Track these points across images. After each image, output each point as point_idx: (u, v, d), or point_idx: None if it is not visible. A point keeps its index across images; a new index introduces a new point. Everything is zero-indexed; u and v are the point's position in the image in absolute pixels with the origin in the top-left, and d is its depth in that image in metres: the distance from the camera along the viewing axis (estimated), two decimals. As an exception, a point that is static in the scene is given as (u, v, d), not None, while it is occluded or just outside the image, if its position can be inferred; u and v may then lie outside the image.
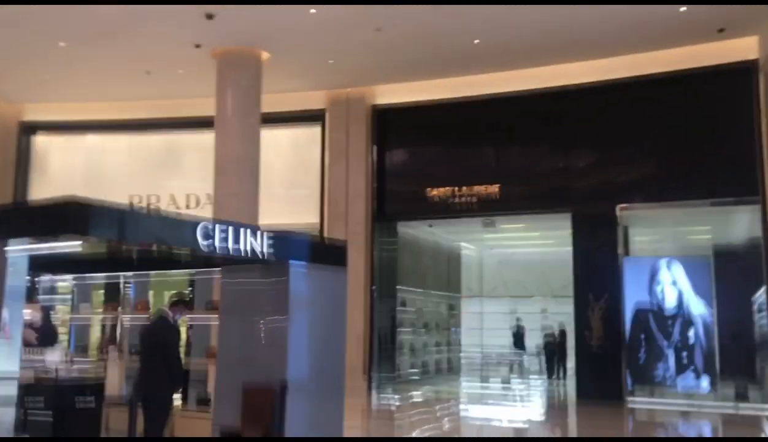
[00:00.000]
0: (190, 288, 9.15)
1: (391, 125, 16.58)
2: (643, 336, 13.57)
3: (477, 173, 15.56)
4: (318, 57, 14.45)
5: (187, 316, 8.29)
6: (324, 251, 8.33)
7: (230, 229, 6.91)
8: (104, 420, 8.09)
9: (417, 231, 18.18)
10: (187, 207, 16.85)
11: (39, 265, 7.53)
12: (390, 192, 16.41)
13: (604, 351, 13.66)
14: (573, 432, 11.80)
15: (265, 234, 7.27)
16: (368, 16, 12.33)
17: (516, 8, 11.83)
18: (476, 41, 13.43)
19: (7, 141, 17.60)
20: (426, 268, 19.12)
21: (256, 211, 13.59)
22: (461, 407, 14.26)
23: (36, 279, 9.75)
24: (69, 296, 10.49)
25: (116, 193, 13.71)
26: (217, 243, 6.75)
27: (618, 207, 14.12)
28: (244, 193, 13.44)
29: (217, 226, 6.79)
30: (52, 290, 10.67)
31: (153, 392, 6.98)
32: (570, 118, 14.89)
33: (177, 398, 7.81)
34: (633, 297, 13.74)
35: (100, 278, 10.29)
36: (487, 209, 15.62)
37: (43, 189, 17.29)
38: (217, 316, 8.16)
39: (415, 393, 15.51)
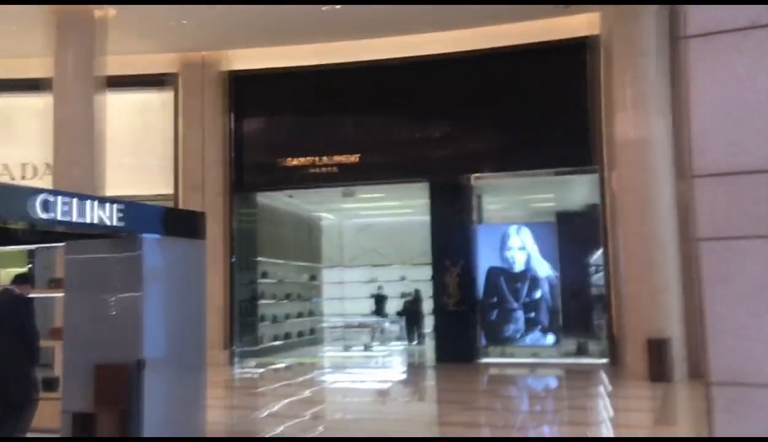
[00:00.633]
0: (29, 264, 8.50)
1: (248, 92, 16.15)
2: (495, 298, 14.35)
3: (337, 143, 15.57)
4: (169, 16, 13.69)
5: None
6: (180, 223, 8.01)
7: (74, 200, 6.45)
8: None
9: (276, 202, 17.96)
10: (23, 178, 15.52)
11: None
12: (248, 162, 16.05)
13: (461, 314, 14.29)
14: (430, 391, 12.30)
15: (114, 205, 6.86)
16: (223, -23, 11.84)
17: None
18: (337, 7, 13.31)
19: None
20: (286, 238, 18.98)
21: (101, 181, 12.75)
22: (324, 374, 14.41)
23: None
24: None
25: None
26: (59, 216, 6.28)
27: (472, 176, 14.71)
28: (87, 162, 12.54)
29: (59, 197, 6.31)
30: None
31: (13, 371, 6.45)
32: (427, 89, 15.23)
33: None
34: (486, 262, 14.47)
35: None
36: (347, 179, 15.71)
37: None
38: (62, 293, 7.63)
39: (277, 363, 15.47)
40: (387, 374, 14.55)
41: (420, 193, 15.86)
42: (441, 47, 14.81)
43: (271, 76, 15.93)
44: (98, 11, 12.74)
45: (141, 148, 16.07)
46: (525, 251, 14.46)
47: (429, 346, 18.03)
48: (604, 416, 9.27)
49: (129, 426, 6.85)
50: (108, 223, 6.76)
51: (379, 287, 20.83)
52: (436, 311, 14.97)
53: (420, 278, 20.53)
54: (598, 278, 17.24)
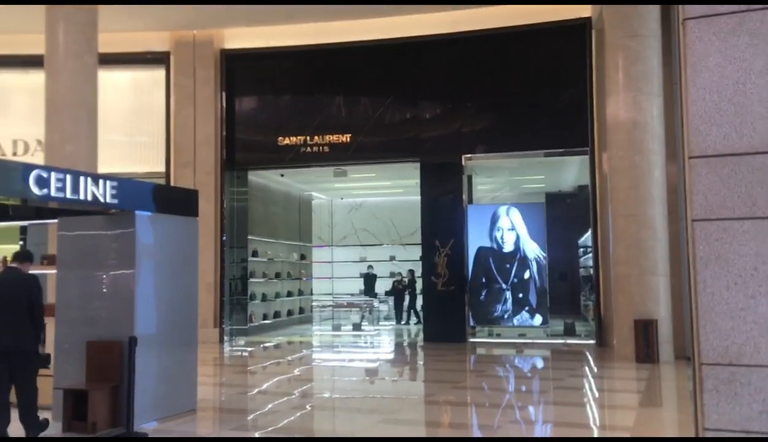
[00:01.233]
0: (21, 241, 8.48)
1: (240, 71, 16.07)
2: (483, 279, 14.46)
3: (329, 122, 15.54)
4: (161, -6, 13.56)
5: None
6: (173, 200, 8.00)
7: (68, 176, 6.45)
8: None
9: (268, 180, 17.94)
10: (15, 154, 15.41)
11: None
12: (240, 140, 15.99)
13: (449, 294, 14.39)
14: (418, 370, 12.41)
15: (108, 182, 6.86)
16: (215, -46, 11.70)
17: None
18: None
19: None
20: (277, 217, 18.99)
21: (94, 158, 12.65)
22: (313, 353, 14.49)
23: None
24: None
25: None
26: (52, 192, 6.28)
27: (463, 157, 14.73)
28: (80, 139, 12.44)
29: (53, 173, 6.30)
30: None
31: (20, 346, 6.40)
32: (419, 69, 15.21)
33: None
34: (476, 242, 14.56)
35: None
36: (339, 159, 15.70)
37: None
38: (54, 270, 7.64)
39: (267, 342, 15.54)
40: (376, 354, 14.65)
41: (411, 173, 15.89)
42: (434, 28, 14.78)
43: (263, 55, 15.87)
44: (89, -14, 12.58)
45: (133, 126, 15.99)
46: (514, 231, 14.55)
47: (419, 326, 18.19)
48: (590, 396, 9.41)
49: (121, 403, 6.90)
50: (102, 199, 6.77)
51: (369, 267, 20.91)
52: (426, 291, 15.07)
53: (409, 258, 20.66)
54: (586, 260, 17.41)
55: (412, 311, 19.23)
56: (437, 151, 14.89)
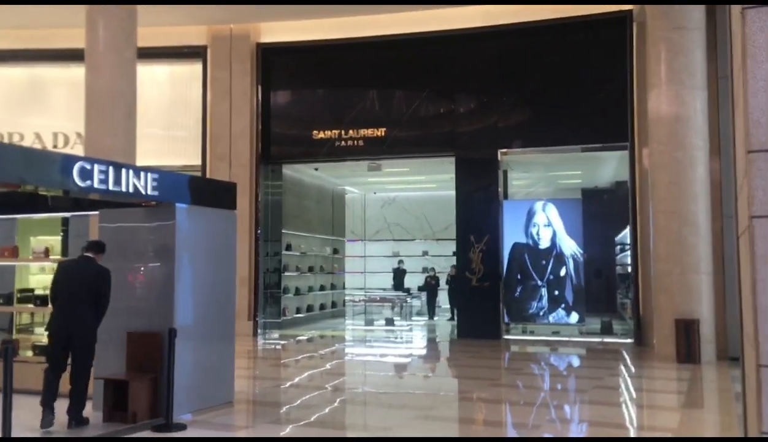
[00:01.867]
0: (62, 232, 8.60)
1: (276, 65, 16.12)
2: (519, 275, 14.31)
3: (364, 116, 15.51)
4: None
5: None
6: (212, 193, 8.04)
7: (110, 168, 6.52)
8: None
9: (302, 174, 18.00)
10: (55, 147, 15.69)
11: None
12: (275, 134, 16.06)
13: (484, 290, 14.27)
14: (453, 366, 12.33)
15: (149, 174, 6.92)
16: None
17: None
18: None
19: None
20: (311, 211, 19.04)
21: (132, 151, 12.82)
22: (346, 347, 14.50)
23: None
24: None
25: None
26: (95, 184, 6.35)
27: (499, 151, 14.59)
28: (119, 132, 12.62)
29: (96, 165, 6.37)
30: None
31: (82, 334, 6.68)
32: (455, 63, 15.09)
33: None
34: (511, 238, 14.40)
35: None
36: (373, 153, 15.66)
37: None
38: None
39: (300, 335, 15.60)
40: (409, 349, 14.60)
41: (446, 168, 15.80)
42: (470, 21, 14.63)
43: (299, 49, 15.89)
44: (129, -19, 12.72)
45: (170, 119, 16.16)
46: (550, 227, 14.36)
47: (450, 322, 18.10)
48: (631, 396, 9.24)
49: (160, 393, 6.97)
50: (143, 192, 6.83)
51: (399, 261, 20.87)
52: (460, 287, 14.98)
53: (442, 254, 20.57)
54: (624, 257, 17.12)
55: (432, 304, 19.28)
56: (473, 145, 14.77)
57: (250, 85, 15.80)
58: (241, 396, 8.29)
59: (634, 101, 13.41)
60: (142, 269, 7.45)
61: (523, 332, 14.61)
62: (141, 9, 12.90)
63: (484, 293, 14.28)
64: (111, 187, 6.50)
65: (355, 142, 15.55)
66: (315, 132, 15.75)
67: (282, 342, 14.68)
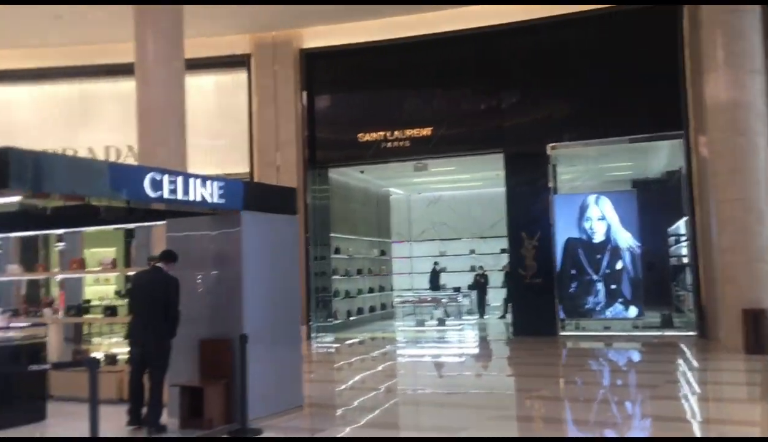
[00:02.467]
0: (129, 243, 8.74)
1: (320, 69, 16.18)
2: (573, 270, 14.10)
3: (409, 116, 15.47)
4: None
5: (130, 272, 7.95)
6: (274, 199, 8.08)
7: (179, 178, 6.59)
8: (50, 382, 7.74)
9: (347, 177, 18.03)
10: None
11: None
12: (321, 138, 16.12)
13: (538, 287, 14.09)
14: (515, 365, 12.20)
15: (215, 183, 6.98)
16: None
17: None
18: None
19: None
20: (357, 214, 19.07)
21: (184, 162, 12.99)
22: (402, 348, 14.46)
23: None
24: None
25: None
26: (165, 194, 6.42)
27: (548, 146, 14.40)
28: (171, 144, 12.74)
29: (166, 176, 6.45)
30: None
31: (155, 343, 6.87)
32: (500, 59, 14.95)
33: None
34: (564, 233, 14.20)
35: (27, 236, 9.71)
36: (420, 152, 15.61)
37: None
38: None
39: (353, 338, 15.62)
40: (467, 348, 14.49)
41: (493, 165, 15.66)
42: (513, 16, 14.48)
43: (341, 52, 15.92)
44: (176, -6, 12.89)
45: (216, 128, 16.32)
46: (604, 221, 14.12)
47: (502, 320, 17.94)
48: (704, 390, 9.00)
49: (233, 399, 7.02)
50: (210, 200, 6.89)
51: (435, 263, 20.78)
52: (513, 284, 14.83)
53: (490, 251, 20.40)
54: (678, 248, 16.76)
55: (482, 303, 19.12)
56: (521, 140, 14.60)
57: (295, 91, 15.88)
58: (310, 400, 8.29)
59: (688, 88, 13.10)
60: (212, 276, 7.50)
61: (581, 328, 14.38)
62: (186, 20, 13.04)
63: (538, 290, 14.10)
64: (180, 196, 6.58)
65: (401, 142, 15.52)
66: (360, 135, 15.76)
67: (335, 345, 14.71)
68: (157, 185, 6.33)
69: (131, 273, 8.39)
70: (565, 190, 17.97)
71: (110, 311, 8.72)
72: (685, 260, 15.25)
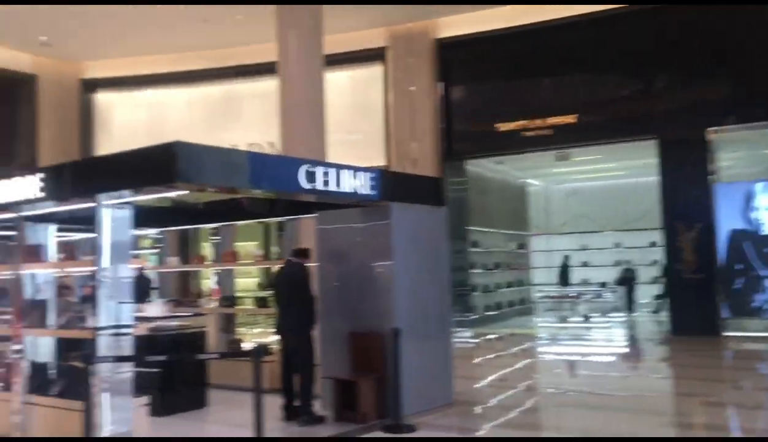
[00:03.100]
0: (279, 236, 8.89)
1: (456, 59, 15.87)
2: (740, 265, 12.90)
3: (550, 104, 14.83)
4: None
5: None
6: (424, 190, 7.90)
7: (332, 170, 6.55)
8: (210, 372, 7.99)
9: (483, 169, 17.60)
10: (251, 157, 16.55)
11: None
12: (458, 129, 15.81)
13: (698, 283, 13.03)
14: (680, 366, 11.32)
15: (367, 174, 6.89)
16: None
17: None
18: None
19: (69, 100, 17.52)
20: (494, 207, 18.59)
21: (324, 157, 13.18)
22: (547, 345, 13.89)
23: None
24: (154, 250, 10.38)
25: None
26: (319, 186, 6.39)
27: (707, 130, 13.27)
28: (312, 139, 12.99)
29: (320, 168, 6.42)
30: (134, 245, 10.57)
31: (296, 336, 6.95)
32: (647, 39, 13.97)
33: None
34: (727, 224, 13.03)
35: (185, 230, 10.15)
36: (563, 141, 14.92)
37: (107, 146, 17.22)
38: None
39: (494, 333, 15.22)
40: (621, 347, 13.66)
41: (642, 152, 14.67)
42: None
43: (478, 40, 15.51)
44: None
45: (352, 123, 16.46)
46: (774, 211, 12.81)
47: (654, 318, 16.83)
48: None
49: (385, 394, 6.90)
50: (362, 192, 6.81)
51: (566, 257, 19.81)
52: (670, 279, 13.82)
53: (637, 245, 19.22)
54: None
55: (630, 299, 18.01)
56: (676, 126, 13.55)
57: (430, 82, 15.69)
58: (459, 397, 8.04)
59: None
60: (362, 269, 7.42)
61: (748, 328, 13.08)
62: (324, 17, 13.18)
63: (698, 286, 13.03)
64: (332, 188, 6.54)
65: (542, 131, 14.91)
66: (499, 124, 15.31)
67: (473, 341, 14.37)
68: (311, 177, 6.31)
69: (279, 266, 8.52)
70: (726, 177, 16.56)
71: (262, 302, 8.91)
72: None
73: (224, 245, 9.71)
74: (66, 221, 7.54)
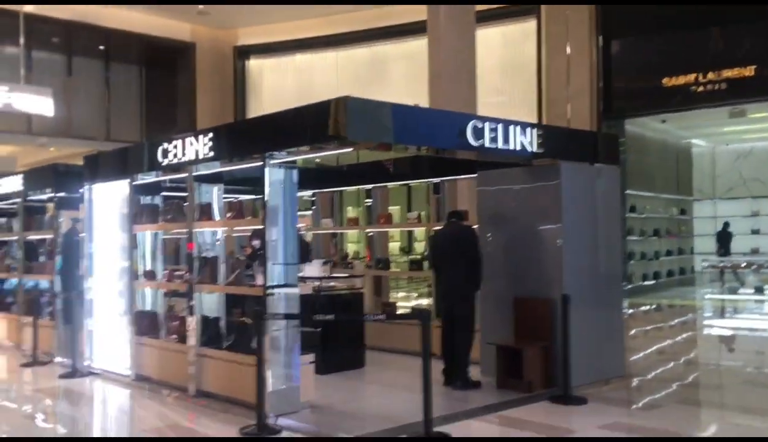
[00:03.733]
0: (434, 198, 8.65)
1: (617, 10, 14.72)
2: None
3: (725, 56, 13.43)
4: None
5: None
6: (595, 147, 7.28)
7: (499, 126, 6.18)
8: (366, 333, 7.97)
9: (643, 129, 16.40)
10: (398, 119, 16.43)
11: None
12: (617, 86, 14.77)
13: None
14: None
15: (534, 130, 6.45)
16: None
17: None
18: None
19: (225, 66, 18.24)
20: (653, 169, 17.31)
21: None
22: (712, 318, 12.82)
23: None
24: (306, 212, 10.52)
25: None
26: (486, 142, 6.05)
27: None
28: (462, 99, 12.53)
29: (487, 123, 6.07)
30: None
31: (460, 299, 6.73)
32: None
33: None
34: None
35: (334, 193, 10.20)
36: (738, 96, 13.52)
37: (257, 112, 17.77)
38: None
39: (655, 303, 14.28)
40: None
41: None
42: None
43: (643, -14, 14.31)
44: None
45: (503, 81, 15.85)
46: None
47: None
48: None
49: (553, 363, 6.53)
50: (529, 149, 6.40)
51: (725, 224, 18.01)
52: None
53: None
54: None
55: None
56: None
57: (588, 37, 14.71)
58: (629, 370, 7.48)
59: None
60: (528, 232, 7.02)
61: None
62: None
63: None
64: (500, 145, 6.17)
65: (716, 86, 13.58)
66: (665, 79, 14.11)
67: (629, 310, 13.50)
68: (478, 133, 5.98)
69: (436, 229, 8.30)
70: None
71: (416, 265, 8.76)
72: None
73: (376, 207, 9.64)
74: (232, 182, 7.75)
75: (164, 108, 17.92)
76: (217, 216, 7.02)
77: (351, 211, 12.52)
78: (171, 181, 7.63)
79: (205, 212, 6.94)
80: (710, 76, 13.56)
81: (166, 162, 6.94)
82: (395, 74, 16.85)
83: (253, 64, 18.68)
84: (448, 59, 12.68)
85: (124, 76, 17.46)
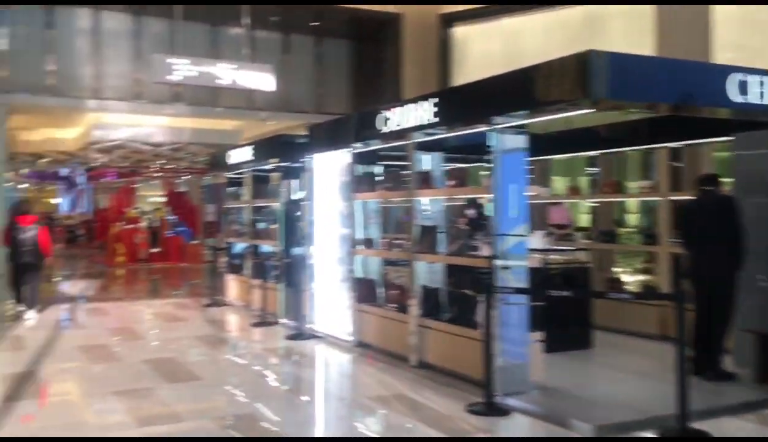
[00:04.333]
0: (680, 165, 7.75)
1: None
2: None
3: None
4: None
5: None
6: None
7: (765, 79, 5.27)
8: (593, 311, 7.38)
9: None
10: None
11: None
12: None
13: None
14: None
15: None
16: None
17: None
18: None
19: (430, 36, 18.11)
20: None
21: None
22: None
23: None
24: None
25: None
26: (753, 99, 5.20)
27: None
28: (694, 56, 11.28)
29: (754, 75, 5.20)
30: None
31: (723, 279, 5.90)
32: None
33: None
34: None
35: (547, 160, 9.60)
36: None
37: (464, 79, 17.44)
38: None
39: None
40: None
41: None
42: None
43: None
44: None
45: (742, 35, 13.94)
46: None
47: None
48: None
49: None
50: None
51: None
52: None
53: None
54: None
55: None
56: None
57: None
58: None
59: None
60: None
61: None
62: None
63: None
64: (766, 101, 5.27)
65: None
66: None
67: None
68: (743, 88, 5.15)
69: (676, 198, 7.43)
70: None
71: (650, 238, 7.95)
72: None
73: (606, 174, 8.92)
74: (452, 150, 7.50)
75: (370, 80, 18.26)
76: (437, 184, 6.81)
77: (565, 181, 11.78)
78: (388, 149, 7.57)
79: (425, 181, 6.78)
80: None
81: (386, 129, 6.85)
82: (613, 35, 15.58)
83: (458, 31, 18.35)
84: (679, 10, 11.47)
85: (335, 51, 18.07)
